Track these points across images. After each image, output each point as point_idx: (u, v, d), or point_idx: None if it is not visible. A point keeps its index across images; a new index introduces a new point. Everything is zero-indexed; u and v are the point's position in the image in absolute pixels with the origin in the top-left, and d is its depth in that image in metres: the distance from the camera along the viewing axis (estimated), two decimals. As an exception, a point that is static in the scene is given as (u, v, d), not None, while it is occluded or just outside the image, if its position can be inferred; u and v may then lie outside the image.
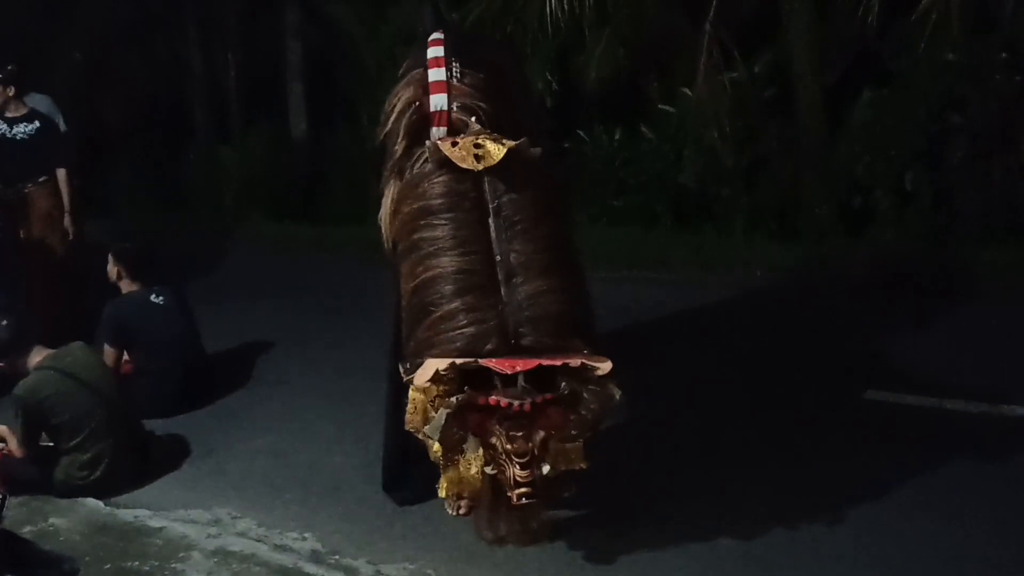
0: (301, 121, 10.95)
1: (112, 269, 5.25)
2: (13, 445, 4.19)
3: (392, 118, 3.65)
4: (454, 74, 3.51)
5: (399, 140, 3.59)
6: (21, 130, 6.08)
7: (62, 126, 6.73)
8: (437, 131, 3.45)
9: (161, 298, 5.17)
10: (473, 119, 3.44)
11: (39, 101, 6.66)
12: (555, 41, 8.12)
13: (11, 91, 6.09)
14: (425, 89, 3.52)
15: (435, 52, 3.58)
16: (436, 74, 3.51)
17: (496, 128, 3.42)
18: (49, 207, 6.14)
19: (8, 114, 6.11)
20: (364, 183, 9.19)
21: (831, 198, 7.17)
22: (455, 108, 3.45)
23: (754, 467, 3.91)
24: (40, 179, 6.12)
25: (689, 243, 7.38)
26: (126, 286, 5.23)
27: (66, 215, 6.19)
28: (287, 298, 7.26)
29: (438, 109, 3.46)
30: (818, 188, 7.23)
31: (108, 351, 4.95)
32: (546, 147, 3.46)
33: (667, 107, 8.06)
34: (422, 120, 3.51)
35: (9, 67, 6.14)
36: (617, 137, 8.27)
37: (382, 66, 9.60)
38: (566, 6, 7.46)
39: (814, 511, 3.52)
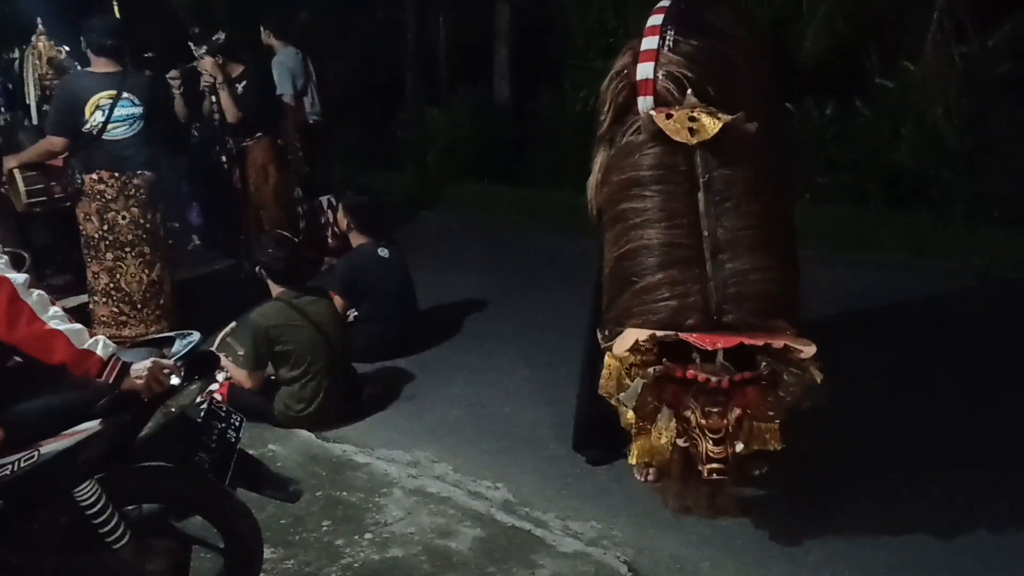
0: (505, 85, 11.20)
1: (343, 220, 5.65)
2: (241, 376, 4.61)
3: (604, 86, 3.67)
4: (667, 42, 3.44)
5: (606, 108, 3.60)
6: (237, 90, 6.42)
7: (300, 80, 7.32)
8: (644, 100, 3.39)
9: (387, 252, 5.50)
10: (676, 89, 3.35)
11: (287, 54, 7.32)
12: (770, 9, 7.84)
13: (219, 59, 6.36)
14: (635, 58, 3.48)
15: (653, 20, 3.52)
16: (648, 43, 3.46)
17: (703, 98, 3.33)
18: (264, 160, 6.57)
19: None
20: (564, 149, 9.32)
21: (1069, 187, 6.59)
22: (660, 77, 3.39)
23: (955, 468, 3.73)
24: (256, 135, 6.52)
25: (901, 227, 6.98)
26: (355, 238, 5.59)
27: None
28: (486, 257, 7.48)
29: (644, 78, 3.40)
30: (1054, 175, 6.65)
31: (338, 300, 5.26)
32: (771, 123, 3.35)
33: (886, 81, 7.61)
34: (629, 88, 3.49)
35: (214, 38, 6.47)
36: (828, 111, 7.91)
37: (589, 32, 9.66)
38: (786, -27, 7.19)
39: (1012, 519, 3.34)
